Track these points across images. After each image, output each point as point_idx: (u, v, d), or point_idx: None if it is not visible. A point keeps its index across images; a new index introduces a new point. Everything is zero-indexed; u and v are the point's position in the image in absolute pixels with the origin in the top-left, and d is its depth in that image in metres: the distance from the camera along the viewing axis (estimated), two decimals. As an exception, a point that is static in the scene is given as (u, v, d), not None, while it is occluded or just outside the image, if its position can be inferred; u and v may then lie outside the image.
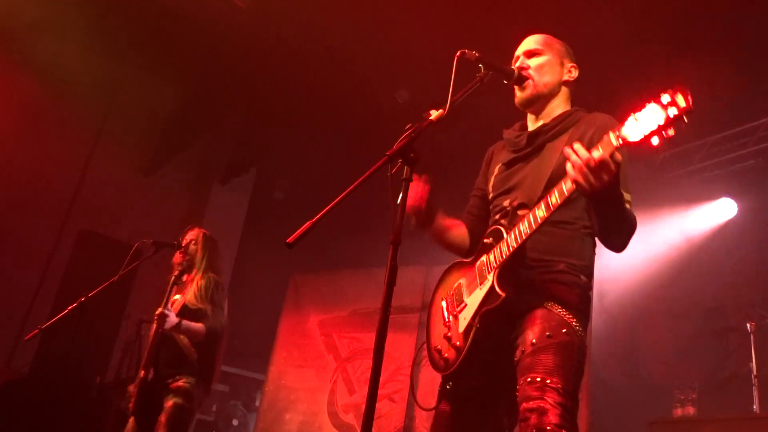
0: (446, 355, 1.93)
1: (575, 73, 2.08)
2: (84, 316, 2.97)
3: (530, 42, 2.08)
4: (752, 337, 3.68)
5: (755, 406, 3.58)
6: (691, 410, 3.87)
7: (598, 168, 1.58)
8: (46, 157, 4.75)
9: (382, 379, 1.56)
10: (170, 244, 3.22)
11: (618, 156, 1.59)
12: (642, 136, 1.52)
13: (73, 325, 2.99)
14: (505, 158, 2.07)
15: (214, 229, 3.41)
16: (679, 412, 3.92)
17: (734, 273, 4.46)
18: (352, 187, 1.65)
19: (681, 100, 1.46)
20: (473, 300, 1.91)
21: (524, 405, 1.73)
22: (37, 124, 4.86)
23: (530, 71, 2.00)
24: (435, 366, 2.00)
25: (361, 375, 4.99)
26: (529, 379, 1.74)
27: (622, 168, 1.70)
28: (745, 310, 3.87)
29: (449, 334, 1.94)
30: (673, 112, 1.46)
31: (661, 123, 1.48)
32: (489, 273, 1.89)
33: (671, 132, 1.48)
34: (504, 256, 1.85)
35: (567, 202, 1.73)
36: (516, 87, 2.04)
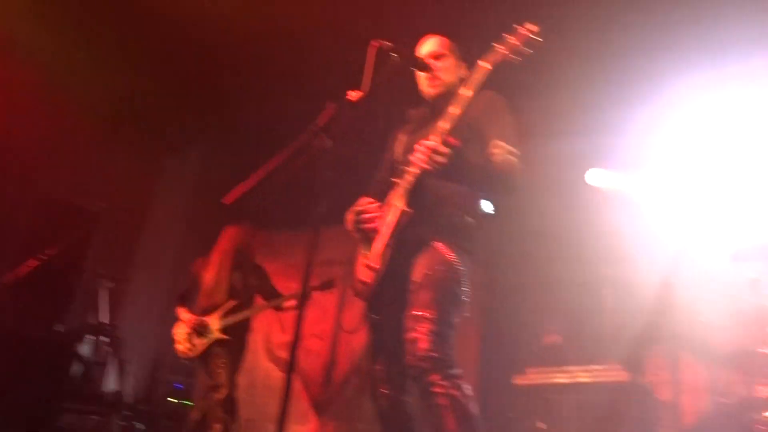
0: (366, 279, 2.27)
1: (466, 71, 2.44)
2: (44, 272, 3.17)
3: (433, 45, 2.41)
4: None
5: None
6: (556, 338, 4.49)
7: (434, 152, 2.01)
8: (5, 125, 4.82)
9: (311, 320, 1.93)
10: None
11: (450, 140, 2.03)
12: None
13: (35, 279, 3.19)
14: (410, 129, 2.43)
15: (165, 199, 3.62)
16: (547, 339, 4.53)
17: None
18: (279, 159, 1.97)
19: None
20: (387, 226, 2.22)
21: (406, 335, 2.08)
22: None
23: (438, 73, 2.35)
24: (358, 294, 2.34)
25: (292, 317, 5.42)
26: (410, 313, 2.10)
27: (502, 122, 2.18)
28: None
29: (368, 262, 2.27)
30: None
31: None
32: (397, 199, 2.21)
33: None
34: (408, 183, 2.17)
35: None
36: (425, 81, 2.38)
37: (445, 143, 2.02)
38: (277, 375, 5.70)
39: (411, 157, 2.08)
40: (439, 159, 2.00)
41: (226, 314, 4.17)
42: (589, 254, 4.63)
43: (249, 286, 4.40)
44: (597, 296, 4.56)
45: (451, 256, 2.15)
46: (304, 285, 1.94)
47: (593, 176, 5.37)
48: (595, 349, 4.39)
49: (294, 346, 1.87)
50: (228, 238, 4.43)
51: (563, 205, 4.84)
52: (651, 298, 3.36)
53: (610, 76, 4.36)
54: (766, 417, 2.96)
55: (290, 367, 1.88)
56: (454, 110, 2.10)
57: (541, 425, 4.43)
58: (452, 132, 2.11)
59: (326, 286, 4.21)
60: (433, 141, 2.03)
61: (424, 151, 2.02)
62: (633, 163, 4.85)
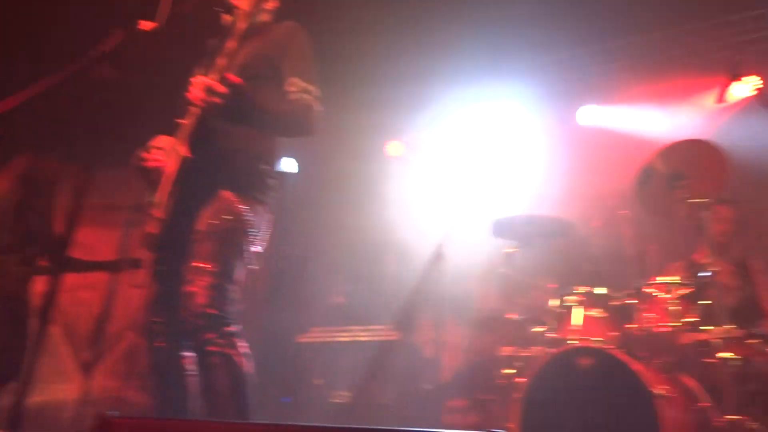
0: (150, 229, 2.10)
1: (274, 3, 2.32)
2: None
3: None
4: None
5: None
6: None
7: (208, 91, 1.88)
8: None
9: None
10: None
11: (230, 78, 1.90)
12: None
13: None
14: (207, 64, 2.25)
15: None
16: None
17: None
18: (52, 80, 1.71)
19: None
20: (168, 173, 2.05)
21: (183, 288, 1.97)
22: None
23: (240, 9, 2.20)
24: (144, 244, 2.15)
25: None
26: (190, 265, 1.98)
27: (300, 57, 2.09)
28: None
29: (152, 210, 2.10)
30: None
31: None
32: (179, 143, 2.04)
33: None
34: (189, 126, 2.01)
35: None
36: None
37: (223, 81, 1.89)
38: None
39: (188, 96, 1.93)
40: (214, 99, 1.87)
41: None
42: (377, 222, 4.88)
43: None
44: (381, 261, 4.85)
45: (240, 206, 2.05)
46: (68, 230, 1.73)
47: (391, 148, 5.64)
48: (375, 311, 4.68)
49: (50, 295, 1.68)
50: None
51: (358, 174, 5.02)
52: (425, 264, 3.66)
53: (409, 50, 4.58)
54: (505, 373, 3.43)
55: (44, 319, 1.68)
56: (231, 45, 1.97)
57: (318, 381, 4.62)
58: (244, 68, 2.01)
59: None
60: (210, 79, 1.89)
61: (197, 89, 1.88)
62: (426, 137, 5.20)
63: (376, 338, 4.58)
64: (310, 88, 2.11)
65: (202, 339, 1.94)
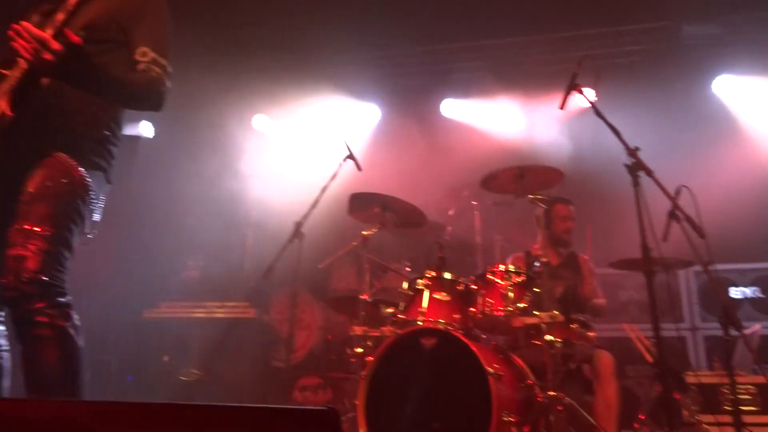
0: None
1: None
2: None
3: None
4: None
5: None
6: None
7: (41, 45, 1.68)
8: None
9: None
10: None
11: (70, 37, 1.71)
12: None
13: None
14: (46, 10, 1.98)
15: None
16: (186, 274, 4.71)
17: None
18: None
19: None
20: None
21: (8, 251, 1.78)
22: None
23: None
24: None
25: None
26: (18, 227, 1.80)
27: (154, 24, 1.93)
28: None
29: None
30: None
31: None
32: (1, 98, 1.83)
33: None
34: (15, 80, 1.81)
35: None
36: None
37: (60, 38, 1.69)
38: None
39: (15, 45, 1.70)
40: (46, 55, 1.66)
41: None
42: (235, 196, 4.76)
43: None
44: (238, 237, 4.75)
45: (79, 170, 1.89)
46: None
47: (255, 121, 5.50)
48: (231, 287, 4.57)
49: None
50: None
51: (219, 146, 4.85)
52: (283, 242, 3.64)
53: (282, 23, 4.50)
54: (356, 351, 3.53)
55: None
56: (71, 1, 1.76)
57: (166, 358, 4.44)
58: (89, 27, 1.82)
59: None
60: (46, 32, 1.68)
61: (28, 40, 1.66)
62: (291, 114, 5.15)
63: (230, 315, 4.49)
64: (162, 60, 1.95)
65: (30, 309, 1.77)
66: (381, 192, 3.70)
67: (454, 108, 5.33)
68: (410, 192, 4.07)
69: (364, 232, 3.68)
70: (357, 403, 3.08)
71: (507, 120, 5.23)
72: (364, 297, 3.61)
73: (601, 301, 3.95)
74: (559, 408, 2.87)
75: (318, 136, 5.10)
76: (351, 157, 3.82)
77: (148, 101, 1.97)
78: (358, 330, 3.49)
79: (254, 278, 4.37)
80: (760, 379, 3.16)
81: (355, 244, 3.73)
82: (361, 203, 3.77)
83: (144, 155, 5.06)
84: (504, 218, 4.59)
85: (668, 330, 3.91)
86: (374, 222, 3.74)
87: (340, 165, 3.87)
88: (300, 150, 5.20)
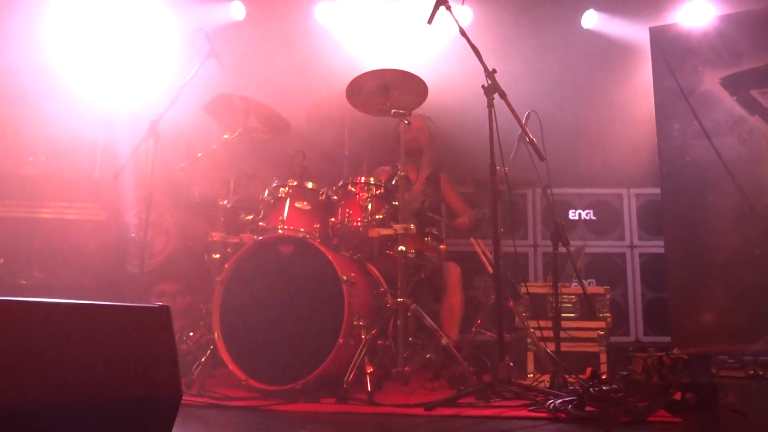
0: None
1: None
2: None
3: None
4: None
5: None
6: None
7: None
8: None
9: None
10: None
11: None
12: None
13: None
14: None
15: None
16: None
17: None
18: None
19: None
20: None
21: None
22: None
23: None
24: None
25: None
26: None
27: None
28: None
29: None
30: None
31: None
32: None
33: None
34: None
35: None
36: None
37: None
38: None
39: None
40: None
41: None
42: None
43: None
44: (91, 133, 4.33)
45: None
46: None
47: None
48: (81, 187, 4.20)
49: None
50: None
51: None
52: (138, 140, 3.38)
53: None
54: (214, 258, 3.45)
55: None
56: None
57: (0, 260, 4.07)
58: None
59: None
60: None
61: None
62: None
63: (78, 216, 4.16)
64: None
65: None
66: (245, 95, 3.52)
67: (327, 13, 5.07)
68: (277, 99, 3.91)
69: (226, 136, 3.51)
70: (212, 307, 3.05)
71: (379, 31, 5.08)
72: (224, 203, 3.50)
73: (463, 220, 4.14)
74: (408, 314, 3.04)
75: (178, 31, 4.66)
76: (213, 53, 3.56)
77: None
78: (216, 236, 3.40)
79: (106, 178, 4.04)
80: (578, 290, 3.55)
81: (215, 147, 3.55)
82: (223, 105, 3.57)
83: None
84: (372, 131, 4.59)
85: (511, 245, 4.25)
86: (236, 126, 3.57)
87: (202, 62, 3.60)
88: (156, 44, 4.74)
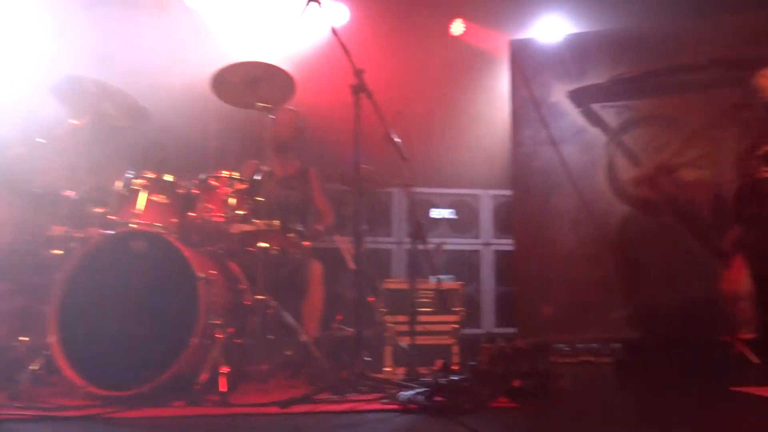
0: None
1: None
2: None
3: None
4: None
5: None
6: None
7: None
8: None
9: None
10: None
11: None
12: None
13: None
14: None
15: None
16: None
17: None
18: None
19: None
20: None
21: None
22: None
23: None
24: None
25: None
26: None
27: None
28: None
29: None
30: None
31: None
32: None
33: None
34: None
35: None
36: None
37: None
38: None
39: None
40: None
41: None
42: None
43: None
44: None
45: None
46: None
47: None
48: None
49: None
50: None
51: None
52: None
53: None
54: (55, 254, 3.15)
55: None
56: None
57: None
58: None
59: None
60: None
61: None
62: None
63: None
64: None
65: None
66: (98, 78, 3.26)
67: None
68: (137, 85, 3.67)
69: (73, 121, 3.23)
70: (48, 309, 2.79)
71: (250, 22, 4.95)
72: (69, 194, 3.21)
73: (319, 228, 4.09)
74: (268, 311, 2.99)
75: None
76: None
77: None
78: (57, 230, 3.12)
79: None
80: (433, 285, 3.71)
81: (60, 132, 3.25)
82: (72, 88, 3.28)
83: None
84: (243, 124, 4.46)
85: (376, 242, 4.34)
86: (87, 111, 3.30)
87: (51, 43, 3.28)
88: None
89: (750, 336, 3.92)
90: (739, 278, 4.14)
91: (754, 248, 3.18)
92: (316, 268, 3.69)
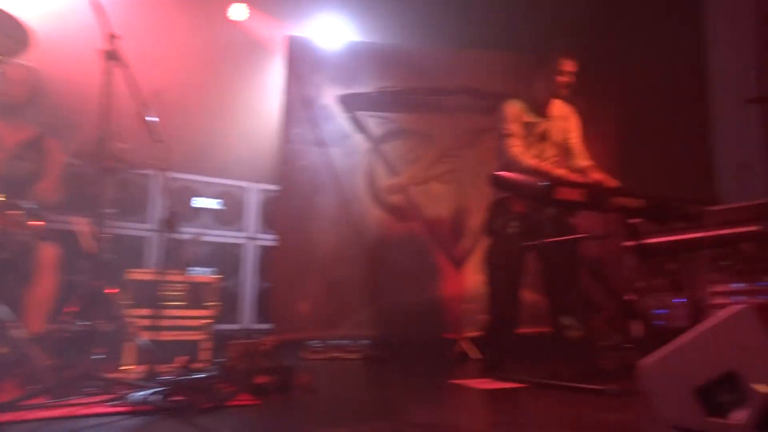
0: None
1: None
2: None
3: None
4: None
5: None
6: None
7: None
8: None
9: None
10: None
11: None
12: None
13: None
14: None
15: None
16: None
17: None
18: None
19: None
20: None
21: None
22: None
23: None
24: None
25: None
26: None
27: None
28: None
29: None
30: None
31: None
32: None
33: None
34: None
35: None
36: None
37: None
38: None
39: None
40: None
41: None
42: None
43: None
44: None
45: None
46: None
47: None
48: None
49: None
50: None
51: None
52: None
53: None
54: None
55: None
56: None
57: None
58: None
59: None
60: None
61: None
62: None
63: None
64: None
65: None
66: None
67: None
68: None
69: None
70: None
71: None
72: None
73: (49, 196, 3.54)
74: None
75: None
76: None
77: None
78: None
79: None
80: (188, 278, 3.51)
81: None
82: None
83: None
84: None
85: (127, 228, 3.94)
86: None
87: None
88: None
89: (474, 334, 4.48)
90: (468, 282, 4.72)
91: (496, 256, 3.61)
92: (48, 253, 3.21)
